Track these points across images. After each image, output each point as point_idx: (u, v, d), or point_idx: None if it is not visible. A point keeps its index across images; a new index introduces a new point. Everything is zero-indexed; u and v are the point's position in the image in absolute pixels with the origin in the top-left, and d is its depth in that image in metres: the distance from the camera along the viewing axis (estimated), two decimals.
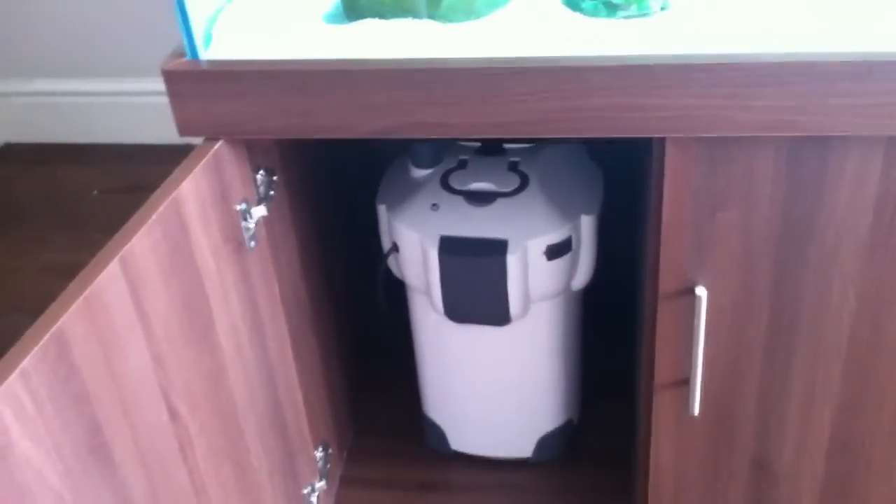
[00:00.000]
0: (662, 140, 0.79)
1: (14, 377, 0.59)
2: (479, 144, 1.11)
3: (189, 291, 0.79)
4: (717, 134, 0.77)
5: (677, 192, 0.81)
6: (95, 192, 1.83)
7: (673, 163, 0.79)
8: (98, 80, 1.89)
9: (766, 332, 0.89)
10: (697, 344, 0.88)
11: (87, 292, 0.65)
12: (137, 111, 1.87)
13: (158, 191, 0.74)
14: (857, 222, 0.81)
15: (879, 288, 0.84)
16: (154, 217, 0.72)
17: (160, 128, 1.77)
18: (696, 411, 0.92)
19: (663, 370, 0.92)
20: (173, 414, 0.77)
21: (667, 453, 0.98)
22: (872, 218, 0.80)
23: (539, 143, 1.10)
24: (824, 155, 0.78)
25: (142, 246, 0.71)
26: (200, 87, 0.79)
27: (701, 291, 0.85)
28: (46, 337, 0.61)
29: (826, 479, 0.98)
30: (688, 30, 0.78)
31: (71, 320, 0.63)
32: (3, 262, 1.69)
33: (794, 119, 0.75)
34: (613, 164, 1.14)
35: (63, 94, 1.93)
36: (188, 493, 0.81)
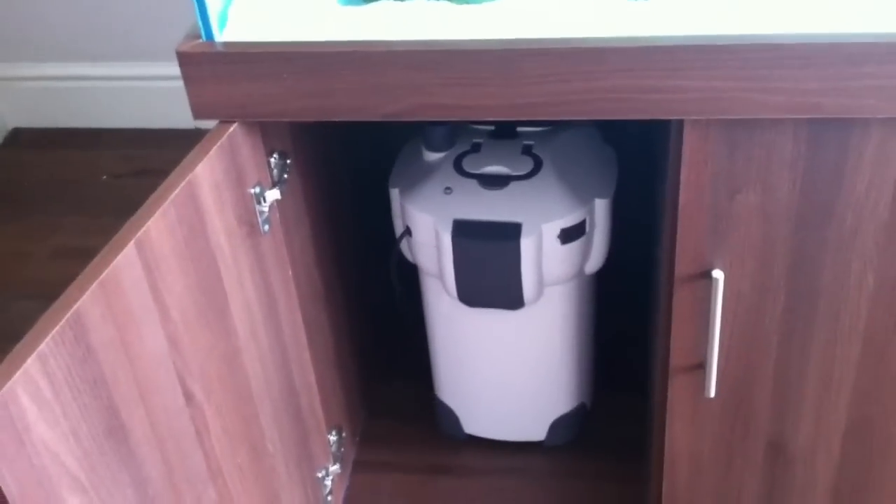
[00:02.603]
0: (681, 122, 0.78)
1: (31, 361, 0.59)
2: (492, 128, 1.10)
3: (204, 274, 0.78)
4: (738, 116, 0.76)
5: (695, 174, 0.80)
6: (105, 177, 1.83)
7: (691, 145, 0.79)
8: (107, 64, 1.88)
9: (784, 315, 0.88)
10: (714, 327, 0.87)
11: (103, 275, 0.64)
12: (147, 96, 1.87)
13: (173, 174, 0.74)
14: (877, 206, 0.80)
15: None
16: (170, 200, 0.71)
17: (169, 112, 1.77)
18: (712, 394, 0.92)
19: (679, 353, 0.92)
20: (189, 397, 0.77)
21: (681, 437, 0.98)
22: (892, 201, 0.79)
23: (553, 127, 1.10)
24: (845, 137, 0.77)
25: (158, 229, 0.70)
26: (215, 69, 0.79)
27: (718, 274, 0.84)
28: (64, 320, 0.61)
29: (842, 462, 0.98)
30: (708, 10, 0.77)
31: (88, 303, 0.63)
32: (14, 246, 1.69)
33: (816, 101, 0.74)
34: (627, 147, 1.13)
35: (72, 78, 1.92)
36: (204, 476, 0.81)
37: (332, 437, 1.13)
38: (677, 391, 0.95)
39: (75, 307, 0.62)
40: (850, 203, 0.80)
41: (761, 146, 0.78)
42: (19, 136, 1.99)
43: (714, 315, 0.86)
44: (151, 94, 1.85)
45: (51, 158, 1.90)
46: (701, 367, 0.92)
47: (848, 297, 0.86)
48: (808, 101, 0.74)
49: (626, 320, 1.30)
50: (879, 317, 0.87)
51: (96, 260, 0.66)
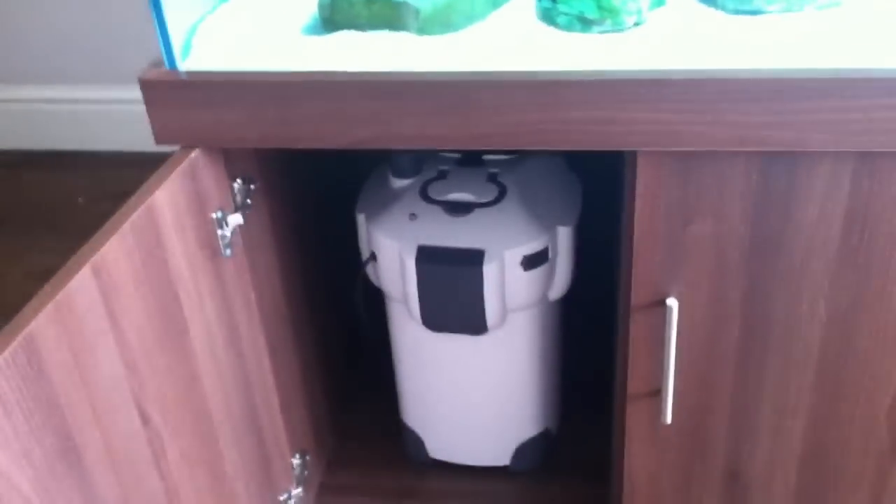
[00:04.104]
0: (635, 153, 0.80)
1: None
2: (458, 155, 1.12)
3: (163, 298, 0.79)
4: (689, 148, 0.77)
5: (649, 204, 0.82)
6: (81, 199, 1.83)
7: (645, 176, 0.80)
8: (84, 87, 1.89)
9: (738, 344, 0.90)
10: (669, 354, 0.88)
11: (57, 297, 0.65)
12: (124, 118, 1.88)
13: (132, 198, 0.75)
14: (827, 236, 0.82)
15: (849, 301, 0.85)
16: (127, 224, 0.72)
17: (146, 135, 1.78)
18: (668, 420, 0.93)
19: (636, 380, 0.93)
20: (145, 420, 0.78)
21: (640, 463, 0.99)
22: (841, 232, 0.81)
23: (518, 155, 1.11)
24: (794, 170, 0.79)
25: (114, 252, 0.71)
26: (177, 96, 0.80)
27: (672, 303, 0.86)
28: (15, 342, 0.62)
29: (798, 489, 0.99)
30: (661, 45, 0.79)
31: (41, 325, 0.64)
32: None
33: (765, 134, 0.76)
34: (592, 176, 1.14)
35: (49, 101, 1.93)
36: (161, 499, 0.81)
37: (296, 461, 1.14)
38: (635, 417, 0.96)
39: (27, 329, 0.62)
40: (800, 234, 0.82)
41: (713, 178, 0.80)
42: None
43: (669, 342, 0.88)
44: (129, 117, 1.85)
45: (26, 180, 1.91)
46: (658, 393, 0.93)
47: (801, 326, 0.88)
48: (755, 134, 0.75)
49: (591, 346, 1.31)
50: (832, 345, 0.89)
51: (51, 282, 0.66)
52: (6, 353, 0.61)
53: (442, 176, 1.09)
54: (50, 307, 0.64)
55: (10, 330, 0.62)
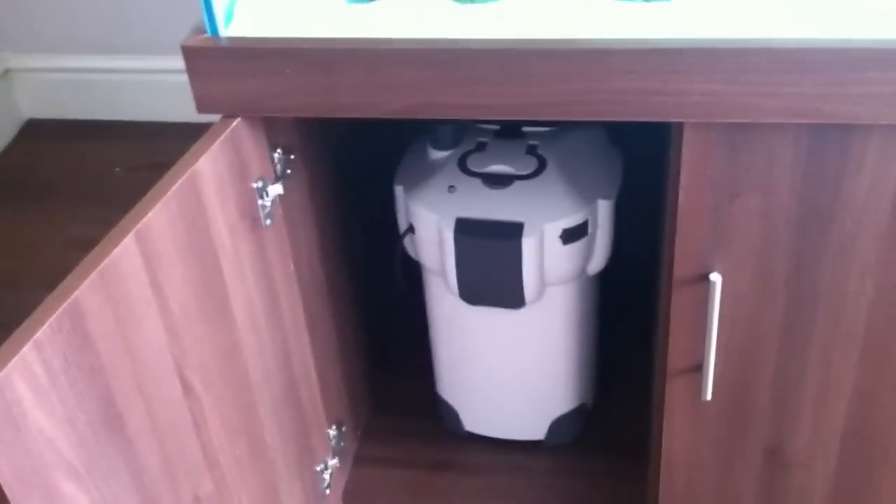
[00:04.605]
0: (681, 125, 0.78)
1: (28, 348, 0.59)
2: (497, 127, 1.11)
3: (205, 267, 0.79)
4: (738, 120, 0.76)
5: (695, 177, 0.80)
6: (118, 169, 1.84)
7: (691, 148, 0.79)
8: (124, 57, 1.89)
9: (782, 320, 0.88)
10: (711, 330, 0.87)
11: (102, 266, 0.65)
12: (163, 89, 1.88)
13: (175, 167, 0.75)
14: (877, 211, 0.80)
15: None
16: (170, 193, 0.72)
17: (185, 106, 1.77)
18: (709, 397, 0.92)
19: (677, 356, 0.92)
20: (187, 388, 0.78)
21: (679, 439, 0.98)
22: (891, 207, 0.80)
23: (558, 127, 1.10)
24: (845, 143, 0.77)
25: (158, 221, 0.71)
26: (220, 64, 0.79)
27: (715, 277, 0.84)
28: (61, 309, 0.62)
29: (840, 468, 0.98)
30: (711, 14, 0.77)
31: (86, 293, 0.64)
32: (28, 236, 1.70)
33: (817, 106, 0.74)
34: (633, 149, 1.13)
35: (89, 70, 1.93)
36: (201, 467, 0.82)
37: (332, 432, 1.14)
38: (675, 393, 0.95)
39: (73, 296, 0.63)
40: (849, 209, 0.80)
41: (761, 150, 0.78)
42: (35, 127, 2.00)
43: (711, 318, 0.86)
44: (168, 88, 1.85)
45: (66, 149, 1.91)
46: (698, 369, 0.92)
47: (847, 303, 0.86)
48: (808, 106, 0.74)
49: (629, 321, 1.30)
50: (878, 322, 0.87)
51: (96, 250, 0.67)
52: (52, 320, 0.61)
53: (481, 148, 1.08)
54: (95, 275, 0.65)
55: (56, 297, 0.63)
